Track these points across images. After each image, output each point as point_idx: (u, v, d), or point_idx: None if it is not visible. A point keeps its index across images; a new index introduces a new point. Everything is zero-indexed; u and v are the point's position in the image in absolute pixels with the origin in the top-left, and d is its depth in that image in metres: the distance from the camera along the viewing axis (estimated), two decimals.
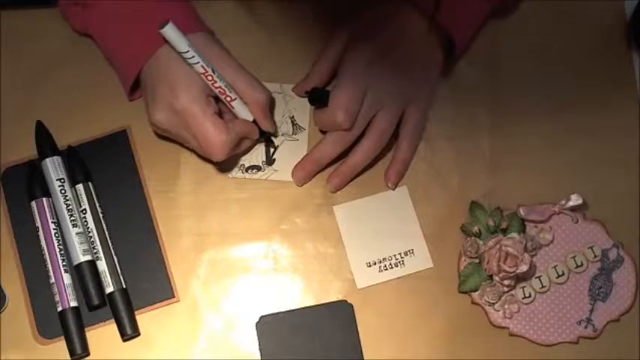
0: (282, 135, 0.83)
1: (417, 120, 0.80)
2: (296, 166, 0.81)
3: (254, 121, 0.79)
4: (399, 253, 0.79)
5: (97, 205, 0.79)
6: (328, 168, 0.81)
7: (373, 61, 0.78)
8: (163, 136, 0.81)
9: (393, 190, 0.81)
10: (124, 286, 0.77)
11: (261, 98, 0.78)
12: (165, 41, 0.74)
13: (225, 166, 0.81)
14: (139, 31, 0.77)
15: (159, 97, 0.76)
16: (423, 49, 0.80)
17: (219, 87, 0.76)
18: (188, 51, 0.73)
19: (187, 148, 0.80)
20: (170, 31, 0.73)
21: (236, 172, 0.81)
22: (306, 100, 0.81)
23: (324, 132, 0.80)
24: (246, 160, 0.82)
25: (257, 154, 0.82)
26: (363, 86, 0.77)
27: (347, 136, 0.78)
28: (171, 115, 0.76)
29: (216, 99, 0.78)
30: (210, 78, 0.75)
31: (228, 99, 0.77)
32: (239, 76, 0.78)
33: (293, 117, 0.83)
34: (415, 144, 0.81)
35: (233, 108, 0.78)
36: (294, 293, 0.79)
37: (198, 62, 0.74)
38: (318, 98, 0.78)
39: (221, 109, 0.78)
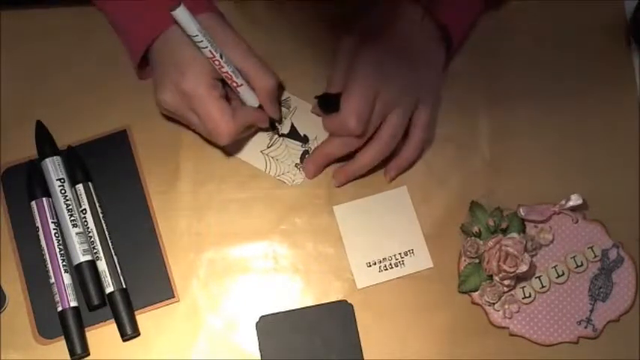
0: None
1: (426, 121, 0.80)
2: (307, 160, 0.81)
3: (260, 107, 0.79)
4: (399, 253, 0.79)
5: (97, 205, 0.79)
6: (334, 164, 0.81)
7: (382, 64, 0.77)
8: (163, 136, 0.81)
9: (389, 182, 0.81)
10: (124, 286, 0.77)
11: (269, 84, 0.78)
12: (176, 22, 0.74)
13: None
14: (150, 8, 0.77)
15: (166, 77, 0.76)
16: (428, 49, 0.80)
17: (226, 72, 0.76)
18: (197, 35, 0.73)
19: (191, 130, 0.80)
20: (181, 14, 0.73)
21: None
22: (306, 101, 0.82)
23: None
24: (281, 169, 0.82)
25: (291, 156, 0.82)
26: (374, 90, 0.76)
27: (358, 140, 0.77)
28: (177, 96, 0.76)
29: (224, 82, 0.78)
30: (217, 63, 0.75)
31: (235, 84, 0.77)
32: (248, 60, 0.78)
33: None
34: (422, 145, 0.81)
35: (239, 93, 0.78)
36: (294, 293, 0.79)
37: (207, 47, 0.74)
38: (330, 103, 0.78)
39: (228, 93, 0.78)
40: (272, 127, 0.82)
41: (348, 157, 0.80)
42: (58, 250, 0.77)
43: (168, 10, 0.73)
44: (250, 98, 0.79)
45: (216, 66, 0.75)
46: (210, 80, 0.76)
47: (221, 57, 0.75)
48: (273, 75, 0.79)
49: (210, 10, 0.79)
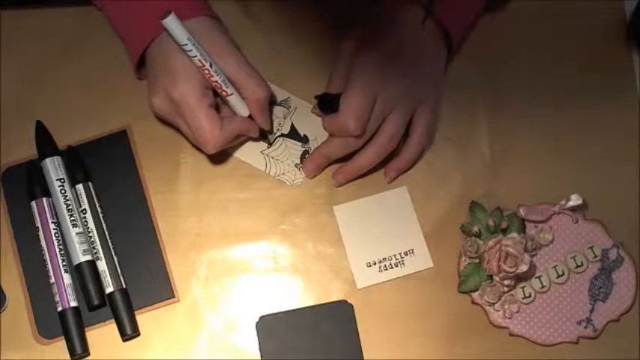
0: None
1: (426, 121, 0.80)
2: (307, 159, 0.81)
3: (250, 116, 0.79)
4: (399, 253, 0.79)
5: (97, 205, 0.79)
6: (334, 164, 0.81)
7: (382, 64, 0.77)
8: (163, 136, 0.81)
9: (389, 183, 0.81)
10: (124, 286, 0.77)
11: (261, 95, 0.78)
12: (166, 31, 0.74)
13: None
14: (144, 11, 0.77)
15: (158, 83, 0.76)
16: (428, 50, 0.80)
17: (216, 81, 0.76)
18: (187, 44, 0.73)
19: (187, 140, 0.80)
20: (171, 23, 0.72)
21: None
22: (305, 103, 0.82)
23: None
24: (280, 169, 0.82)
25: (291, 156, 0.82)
26: (374, 91, 0.76)
27: (357, 140, 0.77)
28: (167, 102, 0.76)
29: (215, 91, 0.78)
30: (207, 72, 0.75)
31: (224, 94, 0.77)
32: (239, 69, 0.77)
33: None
34: (423, 146, 0.81)
35: (229, 103, 0.78)
36: (294, 293, 0.79)
37: (196, 56, 0.74)
38: (329, 104, 0.78)
39: (218, 102, 0.78)
40: (263, 136, 0.82)
41: (348, 157, 0.80)
42: (58, 250, 0.77)
43: (161, 13, 0.72)
44: (241, 108, 0.79)
45: (206, 75, 0.75)
46: (200, 89, 0.75)
47: (211, 66, 0.75)
48: (265, 85, 0.79)
49: (206, 13, 0.78)
